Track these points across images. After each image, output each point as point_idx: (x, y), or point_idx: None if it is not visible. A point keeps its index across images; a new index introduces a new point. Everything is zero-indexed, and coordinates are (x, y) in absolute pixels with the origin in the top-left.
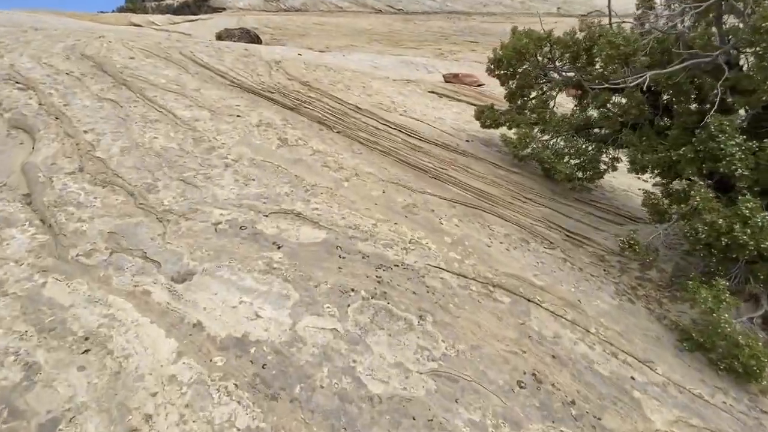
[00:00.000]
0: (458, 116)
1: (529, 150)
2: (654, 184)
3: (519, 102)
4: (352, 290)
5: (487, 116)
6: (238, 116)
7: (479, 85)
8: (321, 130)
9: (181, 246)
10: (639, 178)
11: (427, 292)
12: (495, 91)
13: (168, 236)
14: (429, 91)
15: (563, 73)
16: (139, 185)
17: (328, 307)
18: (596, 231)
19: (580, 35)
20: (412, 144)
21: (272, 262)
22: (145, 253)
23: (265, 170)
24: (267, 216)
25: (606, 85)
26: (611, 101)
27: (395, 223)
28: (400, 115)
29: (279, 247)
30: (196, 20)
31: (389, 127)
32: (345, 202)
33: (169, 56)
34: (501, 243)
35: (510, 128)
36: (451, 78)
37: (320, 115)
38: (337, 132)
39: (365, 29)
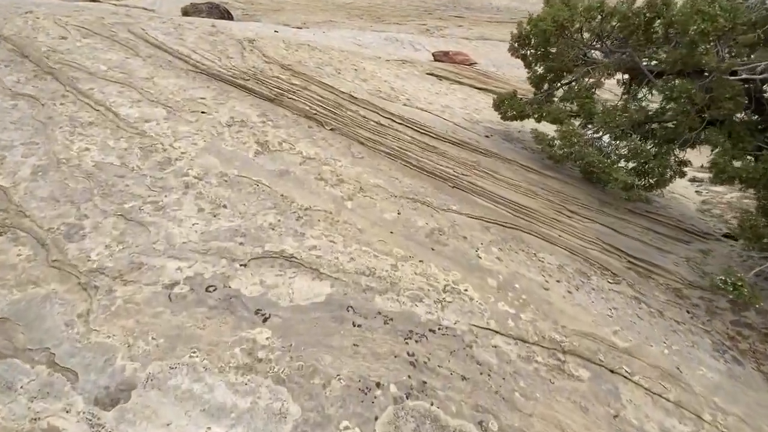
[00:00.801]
0: (465, 103)
1: (567, 149)
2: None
3: (546, 88)
4: (378, 386)
5: (509, 106)
6: (203, 113)
7: (471, 64)
8: (310, 128)
9: (113, 335)
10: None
11: (481, 374)
12: (488, 70)
13: (94, 318)
14: (427, 73)
15: (616, 53)
16: (56, 228)
17: (348, 429)
18: (661, 253)
19: (638, 4)
20: (424, 143)
21: (256, 349)
22: (53, 354)
23: (240, 190)
24: (245, 265)
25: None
26: (690, 90)
27: (420, 261)
28: (404, 104)
29: (265, 319)
30: None
31: (393, 121)
32: (351, 233)
33: (114, 35)
34: (558, 281)
35: (538, 120)
36: (441, 56)
37: (308, 108)
38: (331, 129)
39: (345, 3)
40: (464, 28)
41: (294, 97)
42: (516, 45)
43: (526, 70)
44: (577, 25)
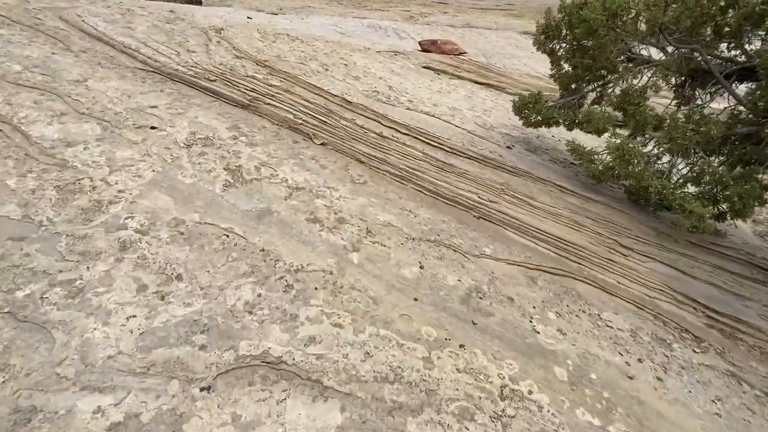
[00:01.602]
0: (471, 102)
1: (622, 169)
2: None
3: (574, 89)
4: None
5: (534, 111)
6: (153, 128)
7: (460, 53)
8: (296, 143)
9: None
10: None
11: None
12: (480, 60)
13: None
14: (423, 67)
15: (678, 49)
16: None
17: None
18: (741, 301)
19: None
20: (438, 160)
21: None
22: None
23: (202, 247)
24: (209, 388)
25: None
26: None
27: (461, 346)
28: (407, 108)
29: None
30: None
31: (398, 131)
32: (362, 306)
33: (39, 24)
34: (640, 361)
35: (570, 128)
36: (429, 45)
37: (291, 116)
38: (322, 144)
39: None
40: (449, 15)
41: (274, 102)
42: (543, 38)
43: (552, 67)
44: (633, 14)
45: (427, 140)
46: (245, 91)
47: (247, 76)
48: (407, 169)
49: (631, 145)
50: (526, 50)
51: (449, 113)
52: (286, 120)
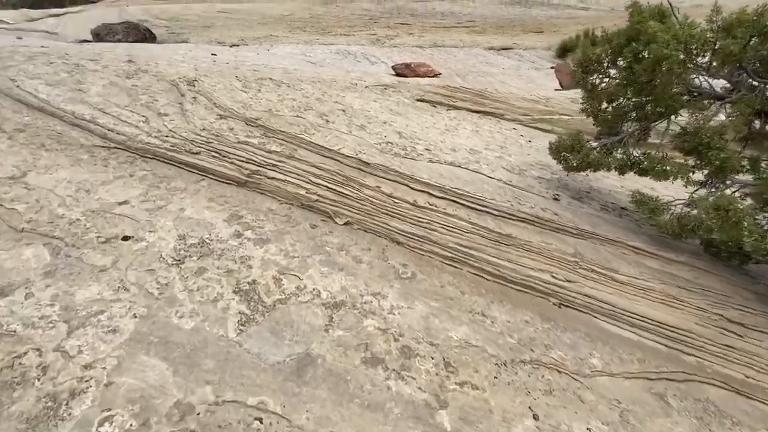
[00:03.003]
0: (483, 139)
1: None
2: None
3: (619, 126)
4: None
5: (578, 154)
6: (126, 239)
7: (434, 75)
8: (314, 227)
9: None
10: None
11: None
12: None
13: None
14: (418, 100)
15: (763, 83)
16: None
17: None
18: None
19: None
20: (490, 230)
21: None
22: None
23: None
24: None
25: None
26: None
27: None
28: (429, 161)
29: None
30: (63, 14)
31: (431, 194)
32: None
33: None
34: None
35: (622, 173)
36: (403, 69)
37: (303, 192)
38: (346, 224)
39: (282, 16)
40: (415, 36)
41: (277, 173)
42: (581, 73)
43: (585, 102)
44: (708, 46)
45: (468, 203)
46: (239, 163)
47: (239, 143)
48: (457, 247)
49: (740, 206)
50: (497, 66)
51: (473, 159)
52: (296, 197)
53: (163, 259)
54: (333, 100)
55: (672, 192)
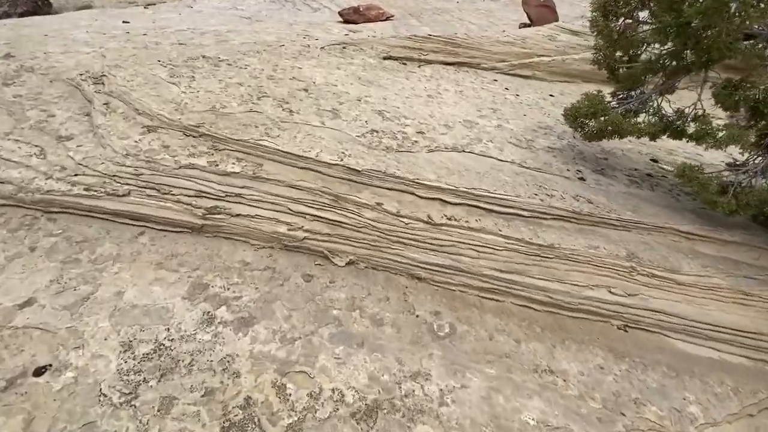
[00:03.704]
0: (472, 102)
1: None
2: None
3: (643, 81)
4: None
5: (597, 117)
6: (37, 375)
7: (387, 18)
8: (310, 280)
9: None
10: None
11: None
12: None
13: None
14: (384, 58)
15: None
16: None
17: None
18: None
19: None
20: (527, 241)
21: None
22: None
23: None
24: None
25: None
26: None
27: None
28: (428, 150)
29: None
30: None
31: (444, 200)
32: None
33: None
34: None
35: (653, 138)
36: (351, 14)
37: (283, 229)
38: (349, 263)
39: None
40: None
41: (244, 205)
42: (600, 17)
43: (598, 54)
44: None
45: (491, 206)
46: (188, 199)
47: (181, 167)
48: (494, 273)
49: None
50: (451, 1)
51: (474, 137)
52: (276, 237)
53: (105, 397)
54: (289, 76)
55: (699, 151)
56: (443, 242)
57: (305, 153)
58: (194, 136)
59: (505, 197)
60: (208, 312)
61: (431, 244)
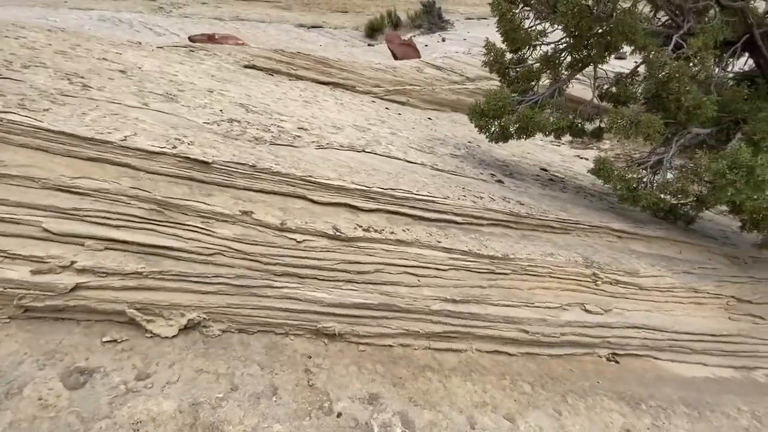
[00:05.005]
0: (354, 112)
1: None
2: None
3: (535, 82)
4: None
5: (505, 111)
6: None
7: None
8: (81, 383)
9: None
10: None
11: None
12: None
13: None
14: (246, 66)
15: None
16: None
17: None
18: None
19: None
20: (467, 253)
21: None
22: None
23: None
24: None
25: None
26: None
27: None
28: (317, 146)
29: None
30: None
31: (352, 206)
32: None
33: None
34: None
35: (557, 136)
36: (205, 41)
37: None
38: (184, 330)
39: None
40: (211, 7)
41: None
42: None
43: (488, 53)
44: None
45: (417, 211)
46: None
47: None
48: (446, 308)
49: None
50: (313, 43)
51: (371, 139)
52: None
53: None
54: (97, 57)
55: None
56: (363, 267)
57: (100, 135)
58: None
59: (434, 199)
60: None
61: (345, 271)
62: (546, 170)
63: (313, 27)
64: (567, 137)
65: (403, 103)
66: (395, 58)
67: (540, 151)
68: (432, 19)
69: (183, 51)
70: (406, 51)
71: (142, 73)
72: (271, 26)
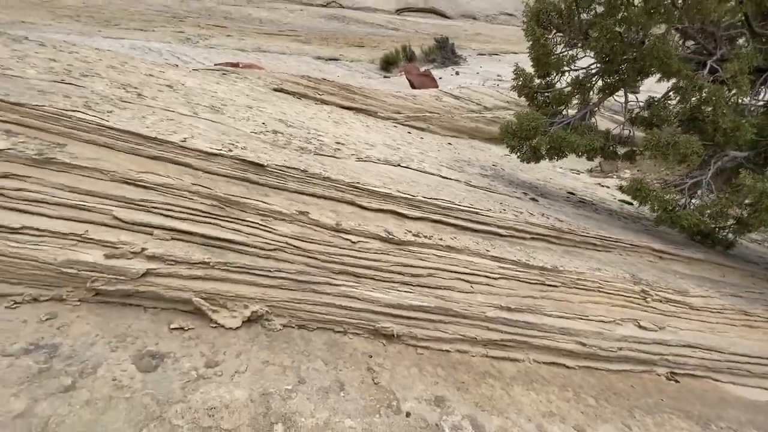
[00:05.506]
0: (381, 133)
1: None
2: None
3: (565, 106)
4: None
5: (538, 131)
6: None
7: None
8: (153, 367)
9: None
10: None
11: None
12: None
13: None
14: (275, 89)
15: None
16: None
17: None
18: None
19: None
20: (518, 263)
21: None
22: None
23: None
24: None
25: None
26: None
27: None
28: (357, 158)
29: None
30: None
31: (399, 213)
32: None
33: None
34: None
35: (590, 157)
36: (229, 68)
37: (58, 265)
38: (248, 322)
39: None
40: (235, 39)
41: (2, 204)
42: (534, 25)
43: (518, 75)
44: None
45: (462, 221)
46: None
47: None
48: (501, 316)
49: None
50: (331, 74)
51: (403, 156)
52: (71, 272)
53: None
54: (144, 73)
55: (581, 178)
56: (416, 270)
57: (162, 136)
58: None
59: (477, 211)
60: None
61: (400, 273)
62: (573, 194)
63: (330, 59)
64: (586, 166)
65: (423, 129)
66: (413, 87)
67: (561, 177)
68: (445, 54)
69: (217, 73)
70: (423, 81)
71: (186, 89)
72: (291, 58)
